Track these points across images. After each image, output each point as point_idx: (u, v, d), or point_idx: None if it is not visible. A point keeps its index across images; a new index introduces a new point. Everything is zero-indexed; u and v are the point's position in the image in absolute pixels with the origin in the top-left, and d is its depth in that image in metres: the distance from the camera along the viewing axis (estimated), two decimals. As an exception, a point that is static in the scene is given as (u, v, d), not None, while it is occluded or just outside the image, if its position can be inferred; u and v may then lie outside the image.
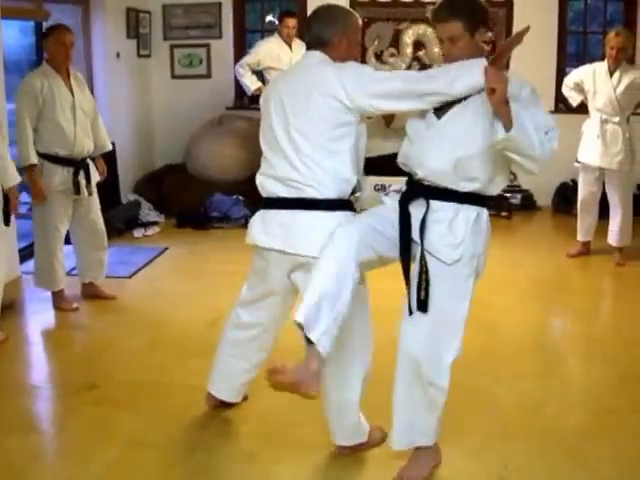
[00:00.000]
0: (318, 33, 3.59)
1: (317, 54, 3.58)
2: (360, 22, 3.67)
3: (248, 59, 8.21)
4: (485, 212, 3.40)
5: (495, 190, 3.41)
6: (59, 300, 5.80)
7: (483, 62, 3.14)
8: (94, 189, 5.75)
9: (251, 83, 8.21)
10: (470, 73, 3.19)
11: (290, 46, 8.19)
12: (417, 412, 3.46)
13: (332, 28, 3.57)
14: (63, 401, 4.36)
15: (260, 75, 8.31)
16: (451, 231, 3.30)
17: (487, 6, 3.40)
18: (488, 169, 3.30)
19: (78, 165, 5.57)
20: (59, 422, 4.15)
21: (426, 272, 3.30)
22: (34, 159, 5.33)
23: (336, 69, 3.44)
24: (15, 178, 4.93)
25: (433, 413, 3.46)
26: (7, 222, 5.03)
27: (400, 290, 3.44)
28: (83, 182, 5.60)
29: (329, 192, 3.42)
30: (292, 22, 8.14)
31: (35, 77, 5.39)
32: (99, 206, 5.86)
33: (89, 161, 5.73)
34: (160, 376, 4.56)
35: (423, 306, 3.32)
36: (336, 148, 3.41)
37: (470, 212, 3.33)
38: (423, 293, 3.31)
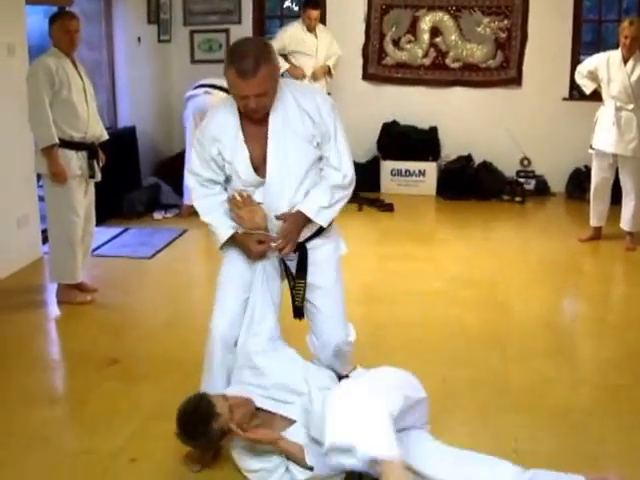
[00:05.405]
0: None
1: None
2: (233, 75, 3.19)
3: (274, 45, 8.13)
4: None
5: None
6: (72, 293, 5.67)
7: None
8: (99, 173, 5.68)
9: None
10: None
11: (314, 32, 8.29)
12: None
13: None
14: (85, 376, 4.47)
15: (285, 58, 8.19)
16: None
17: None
18: None
19: (90, 149, 5.54)
20: (82, 395, 4.25)
21: None
22: (57, 138, 5.26)
23: None
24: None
25: None
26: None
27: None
28: (96, 165, 5.61)
29: None
30: (315, 14, 8.19)
31: (48, 59, 5.31)
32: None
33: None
34: (180, 352, 4.66)
35: None
36: None
37: None
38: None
